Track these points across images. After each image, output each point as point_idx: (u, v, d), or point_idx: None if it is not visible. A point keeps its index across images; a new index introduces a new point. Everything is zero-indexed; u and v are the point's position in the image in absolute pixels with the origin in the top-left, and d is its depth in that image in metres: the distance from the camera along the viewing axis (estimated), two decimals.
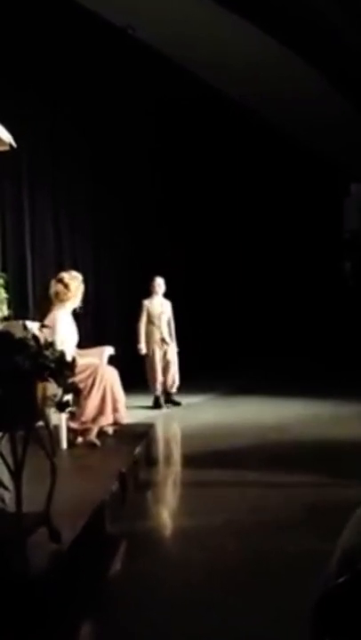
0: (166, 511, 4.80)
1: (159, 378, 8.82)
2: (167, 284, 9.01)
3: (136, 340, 8.75)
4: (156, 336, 8.84)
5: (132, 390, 6.93)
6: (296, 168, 15.05)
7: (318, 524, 4.27)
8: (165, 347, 8.89)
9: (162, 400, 8.84)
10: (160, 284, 8.91)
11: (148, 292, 8.91)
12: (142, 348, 8.76)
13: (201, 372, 10.51)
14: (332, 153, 15.29)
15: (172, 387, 8.92)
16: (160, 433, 6.72)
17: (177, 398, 8.95)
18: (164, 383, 8.87)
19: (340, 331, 14.92)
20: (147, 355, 8.80)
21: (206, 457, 6.63)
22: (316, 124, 13.16)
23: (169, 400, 8.91)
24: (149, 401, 8.80)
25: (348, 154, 15.17)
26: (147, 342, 8.79)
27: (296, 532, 4.30)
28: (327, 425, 7.60)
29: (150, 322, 8.80)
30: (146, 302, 8.85)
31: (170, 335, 8.91)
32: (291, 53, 10.41)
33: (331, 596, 1.74)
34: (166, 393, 8.94)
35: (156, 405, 8.74)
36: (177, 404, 8.85)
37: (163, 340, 8.88)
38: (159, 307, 8.89)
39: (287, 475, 5.59)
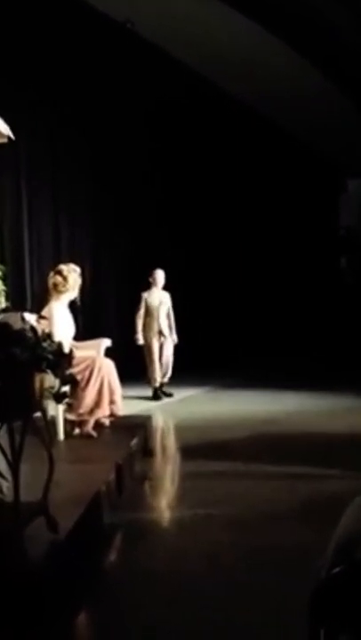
0: (162, 502, 4.83)
1: (157, 370, 8.85)
2: (165, 279, 9.03)
3: (134, 332, 8.79)
4: (155, 328, 8.87)
5: (129, 382, 6.95)
6: (293, 164, 15.04)
7: (313, 515, 4.30)
8: (162, 339, 8.92)
9: (160, 392, 8.88)
10: (160, 275, 8.93)
11: (148, 284, 8.93)
12: (139, 338, 8.80)
13: (196, 366, 10.52)
14: (329, 149, 15.28)
15: (163, 377, 8.97)
16: (156, 425, 6.74)
17: (171, 390, 9.00)
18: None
19: (336, 327, 14.93)
20: (144, 346, 8.84)
21: (202, 449, 6.66)
22: (314, 120, 13.13)
23: (160, 391, 8.96)
24: (146, 392, 8.83)
25: (345, 150, 15.15)
26: (145, 334, 8.83)
27: (291, 523, 4.33)
28: (321, 419, 7.63)
29: (149, 314, 8.83)
30: (144, 294, 8.87)
31: (169, 327, 8.94)
32: (288, 50, 10.38)
33: (326, 587, 1.76)
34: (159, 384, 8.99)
35: (155, 397, 8.79)
36: (168, 395, 8.91)
37: (160, 333, 8.91)
38: (157, 299, 8.91)
39: (282, 467, 5.63)
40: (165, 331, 8.91)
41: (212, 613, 3.21)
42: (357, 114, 13.49)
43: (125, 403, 6.32)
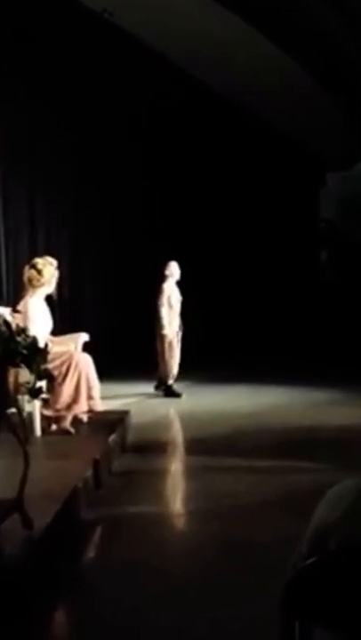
0: (140, 498, 4.80)
1: (176, 365, 8.66)
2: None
3: (158, 325, 8.45)
4: (176, 322, 8.62)
5: (107, 378, 6.90)
6: (273, 158, 15.03)
7: (292, 508, 4.29)
8: (179, 334, 8.73)
9: (175, 387, 8.67)
10: (175, 268, 8.65)
11: (164, 277, 8.61)
12: (169, 332, 8.49)
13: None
14: (310, 143, 15.30)
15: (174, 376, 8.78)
16: (135, 420, 6.69)
17: (151, 386, 8.91)
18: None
19: (316, 322, 14.96)
20: (163, 340, 8.54)
21: (182, 444, 6.65)
22: (295, 114, 13.14)
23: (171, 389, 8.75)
24: (135, 388, 8.77)
25: (325, 144, 15.20)
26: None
27: (271, 516, 4.33)
28: (301, 413, 7.65)
29: (170, 307, 8.54)
30: (165, 286, 8.56)
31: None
32: (270, 44, 10.36)
33: (300, 578, 1.74)
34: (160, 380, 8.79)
35: (170, 393, 8.59)
36: (178, 395, 8.63)
37: (180, 327, 8.69)
38: (177, 291, 8.67)
39: (262, 460, 5.63)
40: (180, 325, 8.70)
41: (192, 607, 3.19)
42: (338, 109, 13.54)
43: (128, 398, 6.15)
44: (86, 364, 5.80)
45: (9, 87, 8.29)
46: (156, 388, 8.79)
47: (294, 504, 4.42)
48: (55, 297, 6.10)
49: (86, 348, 6.11)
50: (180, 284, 8.90)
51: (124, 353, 9.75)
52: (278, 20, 9.99)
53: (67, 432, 5.69)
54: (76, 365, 5.69)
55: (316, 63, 11.46)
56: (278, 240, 15.34)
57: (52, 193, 9.53)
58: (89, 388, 5.75)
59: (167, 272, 8.64)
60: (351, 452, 5.71)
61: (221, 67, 11.02)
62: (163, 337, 8.55)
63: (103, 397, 6.07)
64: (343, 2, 10.16)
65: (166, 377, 8.71)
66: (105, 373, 6.35)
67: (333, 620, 1.73)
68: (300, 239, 16.35)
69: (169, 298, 8.57)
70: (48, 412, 5.68)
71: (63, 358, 5.66)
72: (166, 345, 8.60)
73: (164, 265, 8.71)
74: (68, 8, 8.82)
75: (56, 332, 6.11)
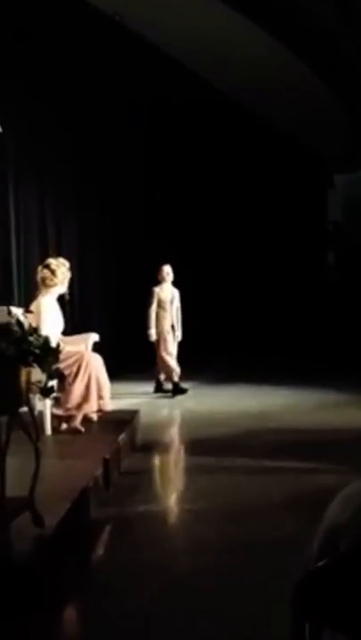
0: (149, 497, 4.83)
1: (173, 364, 8.76)
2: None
3: (145, 327, 8.67)
4: (168, 322, 8.77)
5: (117, 378, 6.94)
6: (281, 159, 15.02)
7: (301, 509, 4.32)
8: (174, 335, 8.84)
9: (181, 384, 8.78)
10: (168, 271, 8.83)
11: (157, 281, 8.83)
12: (152, 334, 8.68)
13: (183, 362, 10.50)
14: (317, 144, 15.28)
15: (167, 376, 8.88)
16: (144, 420, 6.72)
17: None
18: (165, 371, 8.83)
19: (323, 323, 14.94)
20: (158, 341, 8.72)
21: (190, 444, 6.67)
22: (302, 116, 13.13)
23: (161, 389, 8.91)
24: (144, 388, 8.80)
25: (332, 145, 15.18)
26: (158, 329, 8.71)
27: (279, 517, 4.34)
28: (309, 414, 7.66)
29: (162, 308, 8.72)
30: (156, 289, 8.77)
31: (177, 323, 8.88)
32: (277, 44, 10.36)
33: (311, 580, 1.76)
34: (158, 382, 8.91)
35: (177, 391, 8.72)
36: (184, 391, 8.81)
37: (173, 327, 8.82)
38: (170, 293, 8.84)
39: (271, 461, 5.64)
40: (176, 325, 8.83)
41: (197, 607, 3.21)
42: (345, 110, 13.51)
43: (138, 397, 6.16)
44: (97, 363, 5.84)
45: (9, 87, 8.30)
46: (156, 391, 8.87)
47: (300, 505, 4.45)
48: (67, 297, 6.14)
49: (95, 348, 6.15)
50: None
51: (133, 353, 9.78)
52: (285, 21, 9.98)
53: (77, 431, 5.73)
54: (87, 365, 5.73)
55: (324, 64, 11.44)
56: (285, 241, 15.32)
57: (53, 193, 9.56)
58: (99, 388, 5.79)
59: (159, 277, 8.82)
60: (358, 454, 5.72)
61: (223, 65, 11.02)
62: (148, 337, 8.70)
63: (113, 397, 6.11)
64: (343, 2, 10.15)
65: (168, 376, 8.80)
66: (115, 373, 6.39)
67: (344, 621, 1.75)
68: (308, 240, 16.32)
69: (159, 300, 8.72)
70: (59, 411, 5.72)
71: (74, 358, 5.70)
72: (162, 346, 8.73)
73: (163, 266, 8.88)
74: (69, 7, 8.84)
75: (66, 332, 6.15)
